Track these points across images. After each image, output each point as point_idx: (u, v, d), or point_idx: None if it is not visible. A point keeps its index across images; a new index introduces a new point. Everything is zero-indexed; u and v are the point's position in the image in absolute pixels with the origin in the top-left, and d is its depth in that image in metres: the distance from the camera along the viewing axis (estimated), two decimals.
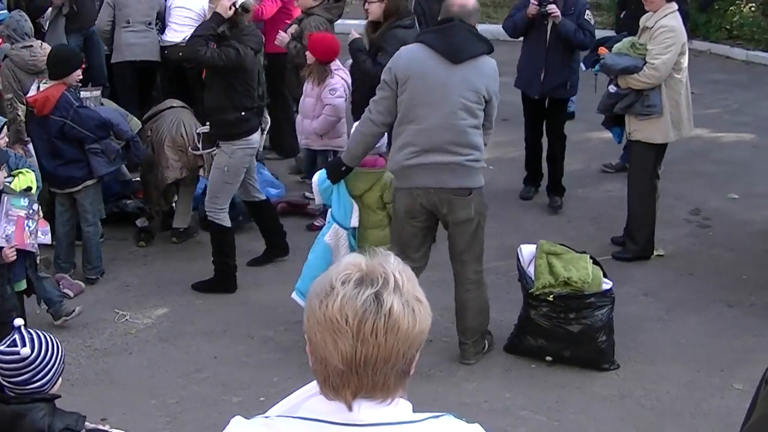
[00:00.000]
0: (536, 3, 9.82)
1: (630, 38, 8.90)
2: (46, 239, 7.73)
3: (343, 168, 7.48)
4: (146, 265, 9.37)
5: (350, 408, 2.45)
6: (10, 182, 7.43)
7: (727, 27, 16.80)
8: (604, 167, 11.67)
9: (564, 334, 7.42)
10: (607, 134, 11.62)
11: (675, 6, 8.78)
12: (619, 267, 8.96)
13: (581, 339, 7.40)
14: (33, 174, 7.74)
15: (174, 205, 9.90)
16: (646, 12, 9.05)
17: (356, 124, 7.59)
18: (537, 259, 7.52)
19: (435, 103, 6.98)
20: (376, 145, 7.57)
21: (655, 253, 9.46)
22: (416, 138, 7.04)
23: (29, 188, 7.56)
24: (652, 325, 8.23)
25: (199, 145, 8.90)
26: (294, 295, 7.70)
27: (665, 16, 8.73)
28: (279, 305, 8.31)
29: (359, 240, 7.80)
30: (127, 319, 8.28)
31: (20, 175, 7.57)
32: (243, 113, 8.53)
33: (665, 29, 8.67)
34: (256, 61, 8.79)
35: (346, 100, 9.89)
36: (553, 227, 10.08)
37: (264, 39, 10.92)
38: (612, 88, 9.00)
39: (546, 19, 9.91)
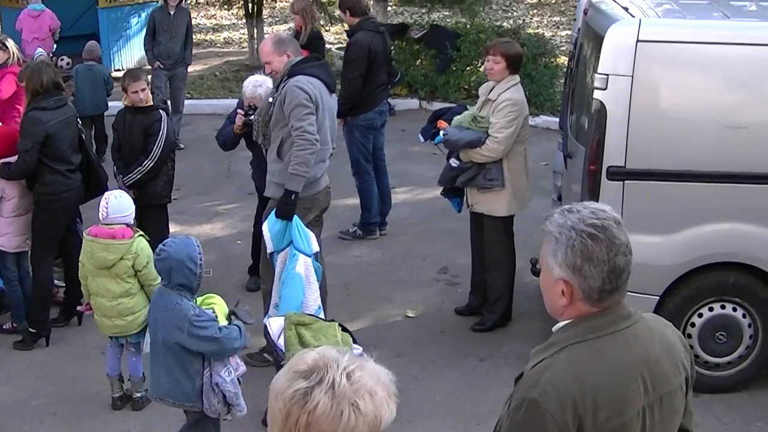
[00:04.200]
0: (243, 113, 9.30)
1: (471, 111, 8.94)
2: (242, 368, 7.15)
3: (293, 197, 8.01)
4: None
5: None
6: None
7: (466, 87, 17.20)
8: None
9: None
10: (352, 200, 11.83)
11: (518, 78, 8.88)
12: (370, 331, 9.13)
13: None
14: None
15: None
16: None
17: (297, 150, 7.97)
18: (286, 330, 7.54)
19: (330, 125, 8.40)
20: (126, 215, 7.67)
21: (406, 313, 9.67)
22: (324, 154, 8.35)
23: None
24: (406, 385, 8.28)
25: None
26: (265, 320, 7.73)
27: (509, 88, 8.79)
28: (33, 398, 8.13)
29: (103, 311, 7.78)
30: None
31: (213, 303, 6.96)
32: None
33: (509, 102, 8.72)
34: None
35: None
36: None
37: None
38: (454, 162, 9.02)
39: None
